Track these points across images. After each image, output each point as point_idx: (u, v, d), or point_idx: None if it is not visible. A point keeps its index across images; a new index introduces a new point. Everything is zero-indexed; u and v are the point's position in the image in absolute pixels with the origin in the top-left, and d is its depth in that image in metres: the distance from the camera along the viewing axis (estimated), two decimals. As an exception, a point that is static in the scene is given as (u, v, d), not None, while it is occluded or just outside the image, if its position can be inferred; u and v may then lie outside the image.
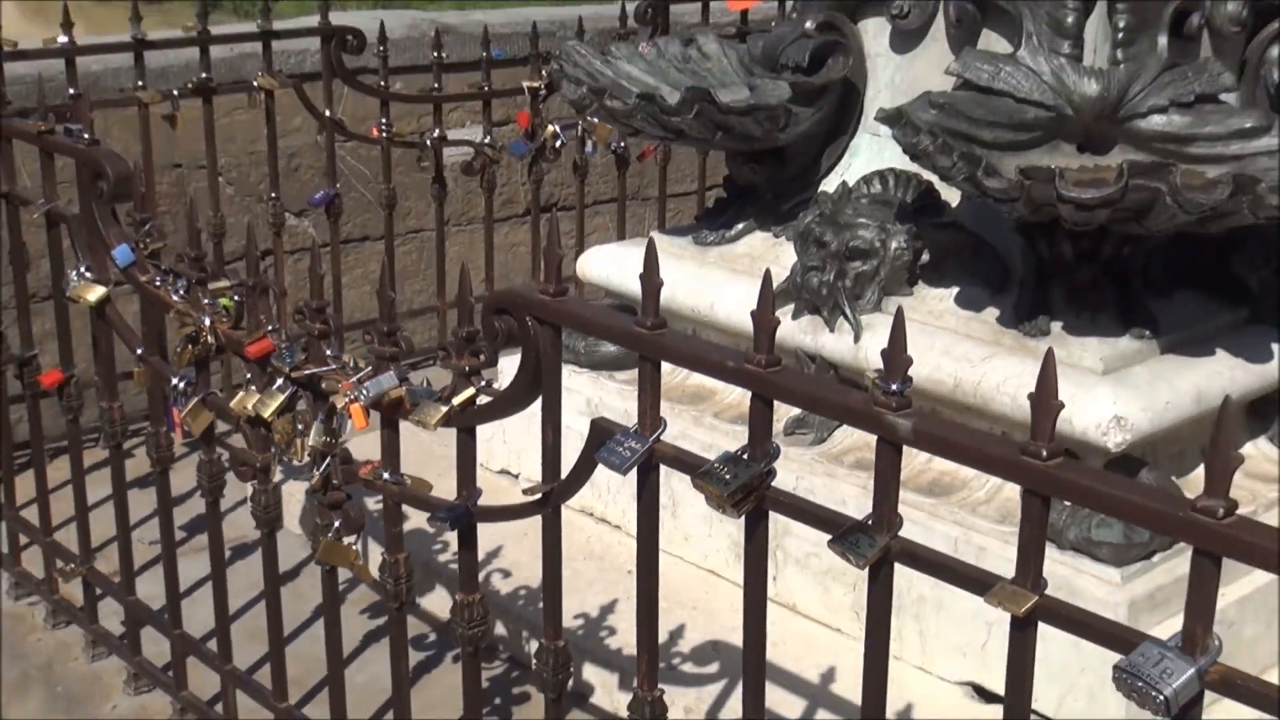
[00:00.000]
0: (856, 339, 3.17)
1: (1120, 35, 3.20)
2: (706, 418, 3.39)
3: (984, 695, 2.83)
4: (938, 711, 2.83)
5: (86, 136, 2.95)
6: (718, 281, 3.49)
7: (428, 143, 4.72)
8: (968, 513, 2.96)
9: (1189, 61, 3.24)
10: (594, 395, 3.49)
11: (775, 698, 2.61)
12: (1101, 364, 2.97)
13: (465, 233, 5.38)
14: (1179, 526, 1.48)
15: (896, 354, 1.70)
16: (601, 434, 2.04)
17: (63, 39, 4.04)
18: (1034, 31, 3.19)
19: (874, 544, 1.73)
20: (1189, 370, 3.06)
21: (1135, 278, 3.13)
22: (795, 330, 3.28)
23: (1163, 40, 3.23)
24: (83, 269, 2.99)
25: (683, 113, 3.31)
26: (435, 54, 4.67)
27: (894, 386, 1.70)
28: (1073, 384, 2.85)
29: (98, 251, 2.89)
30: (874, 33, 3.57)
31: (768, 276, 1.86)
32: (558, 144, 4.78)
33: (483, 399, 2.24)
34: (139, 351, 2.92)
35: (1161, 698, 1.45)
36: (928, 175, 3.17)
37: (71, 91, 3.95)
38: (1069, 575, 2.73)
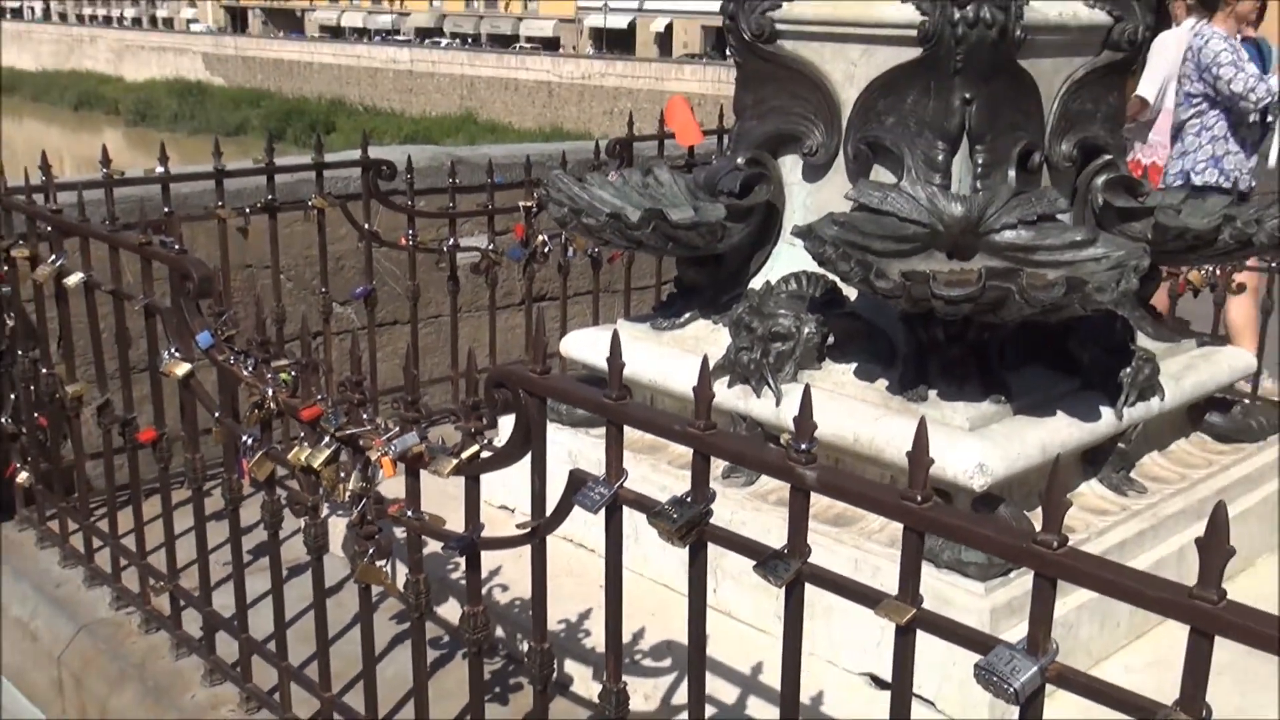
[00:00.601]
0: (778, 403, 3.17)
1: (979, 169, 3.24)
2: (662, 464, 3.38)
3: (879, 683, 2.81)
4: (843, 695, 2.82)
5: (177, 247, 2.96)
6: (670, 359, 3.48)
7: (444, 249, 4.74)
8: (865, 539, 2.96)
9: (1032, 189, 3.28)
10: (574, 447, 3.48)
11: (715, 685, 2.60)
12: (968, 423, 2.97)
13: (474, 317, 5.38)
14: (1022, 556, 1.51)
15: (805, 421, 1.72)
16: (577, 482, 2.05)
17: (159, 169, 4.05)
18: (913, 166, 3.23)
19: (789, 568, 1.75)
20: (1035, 428, 3.06)
21: (993, 355, 3.13)
22: (731, 396, 3.27)
23: (1012, 173, 3.27)
24: (173, 350, 2.99)
25: (642, 228, 3.33)
26: (451, 179, 4.70)
27: (803, 446, 1.72)
28: (945, 439, 2.87)
29: (184, 336, 2.89)
30: (790, 166, 3.58)
31: (705, 361, 1.89)
32: (546, 250, 4.80)
33: (485, 453, 2.25)
34: (216, 414, 2.92)
35: (1012, 690, 1.47)
36: (832, 276, 3.16)
37: (166, 210, 3.96)
38: (943, 588, 2.72)
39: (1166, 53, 7.01)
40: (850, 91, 3.38)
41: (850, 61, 3.37)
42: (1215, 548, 1.33)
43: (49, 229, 3.50)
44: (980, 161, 3.23)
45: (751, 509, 3.13)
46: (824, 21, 3.40)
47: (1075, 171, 3.49)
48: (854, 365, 3.26)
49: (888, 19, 3.23)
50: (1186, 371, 3.55)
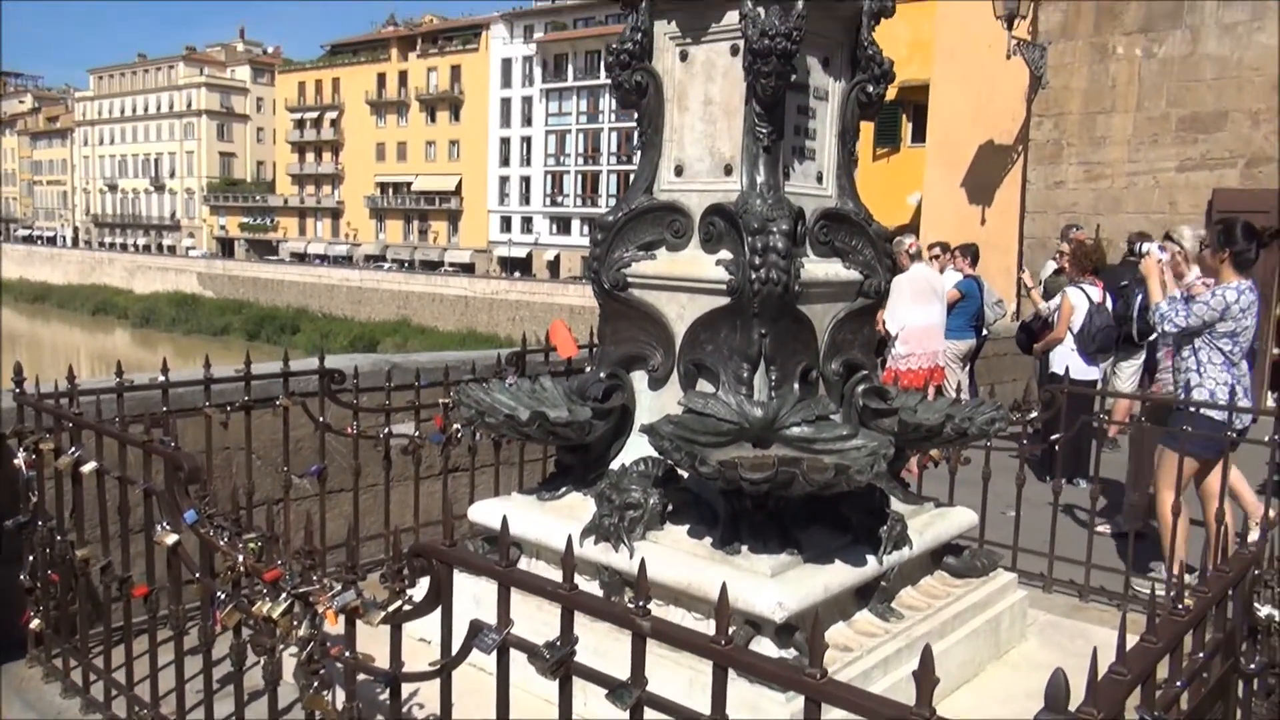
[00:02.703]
0: (630, 557, 3.16)
1: (773, 383, 3.34)
2: (545, 605, 3.33)
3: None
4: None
5: (172, 444, 2.92)
6: (550, 524, 3.47)
7: (381, 435, 4.73)
8: (696, 661, 2.95)
9: (812, 398, 3.39)
10: (477, 591, 3.40)
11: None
12: (770, 571, 3.01)
13: (403, 485, 5.31)
14: (795, 684, 1.57)
15: (642, 583, 1.78)
16: (475, 629, 2.06)
17: (160, 377, 4.00)
18: (726, 381, 3.32)
19: (631, 695, 1.78)
20: (820, 573, 3.12)
21: (788, 519, 3.19)
22: (597, 551, 3.26)
23: (797, 386, 3.37)
24: (165, 523, 2.93)
25: (530, 426, 3.37)
26: (387, 382, 4.73)
27: (640, 602, 1.77)
28: (753, 584, 2.92)
29: (174, 514, 2.83)
30: (639, 379, 3.63)
31: (569, 541, 1.94)
32: (459, 435, 4.82)
33: (406, 607, 2.25)
34: (197, 574, 2.85)
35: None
36: (670, 461, 3.21)
37: (165, 409, 3.90)
38: (755, 697, 2.71)
39: (900, 289, 7.41)
40: (681, 326, 3.47)
41: (681, 305, 3.48)
42: (925, 677, 1.42)
43: (71, 425, 3.43)
44: (774, 378, 3.33)
45: (613, 639, 3.06)
46: (662, 277, 3.51)
47: (842, 383, 3.58)
48: (687, 527, 3.28)
49: (706, 276, 3.36)
50: (928, 527, 3.65)
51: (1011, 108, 13.95)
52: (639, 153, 3.63)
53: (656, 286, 3.53)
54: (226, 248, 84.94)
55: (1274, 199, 11.77)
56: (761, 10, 3.20)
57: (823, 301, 3.50)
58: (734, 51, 3.35)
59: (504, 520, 2.03)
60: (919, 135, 19.44)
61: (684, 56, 3.50)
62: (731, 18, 3.32)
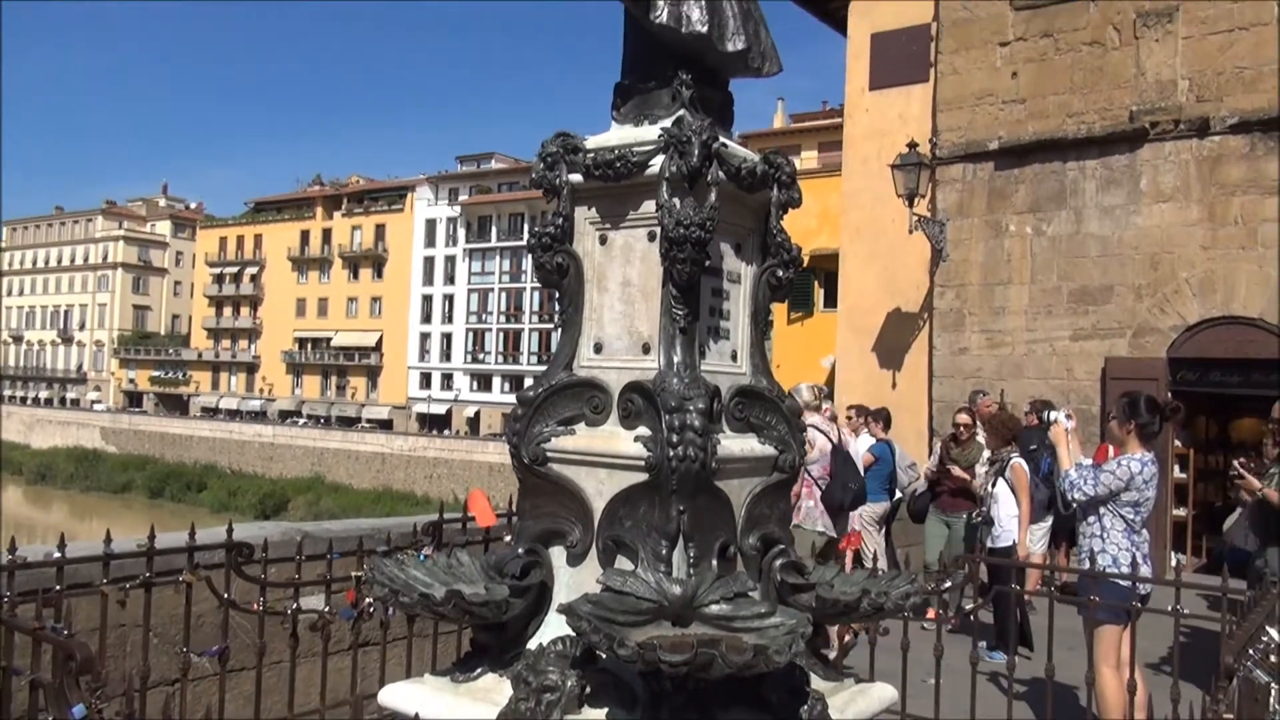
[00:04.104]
0: None
1: (691, 560, 3.32)
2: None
3: None
4: None
5: (65, 632, 2.79)
6: (465, 706, 3.36)
7: (289, 612, 4.55)
8: None
9: (730, 574, 3.36)
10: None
11: None
12: None
13: (310, 661, 5.10)
14: None
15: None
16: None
17: (56, 554, 3.83)
18: (645, 558, 3.30)
19: None
20: None
21: (709, 700, 3.10)
22: None
23: (715, 562, 3.36)
24: (51, 718, 2.76)
25: (445, 605, 3.28)
26: (298, 555, 4.59)
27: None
28: (673, 772, 2.84)
29: (62, 708, 2.67)
30: (558, 555, 3.58)
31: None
32: (371, 610, 4.68)
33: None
34: (81, 774, 2.67)
35: None
36: (588, 642, 3.11)
37: (58, 588, 3.72)
38: None
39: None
40: (599, 502, 3.46)
41: (600, 481, 3.47)
42: None
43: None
44: (692, 554, 3.31)
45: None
46: (581, 452, 3.51)
47: (760, 558, 3.56)
48: (606, 710, 3.18)
49: (625, 453, 3.38)
50: (849, 704, 3.58)
51: (916, 278, 14.67)
52: (559, 330, 3.71)
53: (575, 462, 3.53)
54: (135, 401, 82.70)
55: (1161, 367, 12.46)
56: (677, 201, 3.36)
57: (739, 477, 3.54)
58: (651, 237, 3.49)
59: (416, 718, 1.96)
60: (831, 300, 20.24)
61: (603, 240, 3.63)
62: (649, 206, 3.49)
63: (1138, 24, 12.84)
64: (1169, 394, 12.35)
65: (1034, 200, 13.45)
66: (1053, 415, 6.08)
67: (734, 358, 3.71)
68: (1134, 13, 12.88)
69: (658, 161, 3.43)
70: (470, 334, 67.34)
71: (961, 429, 9.19)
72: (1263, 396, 10.78)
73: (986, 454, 8.61)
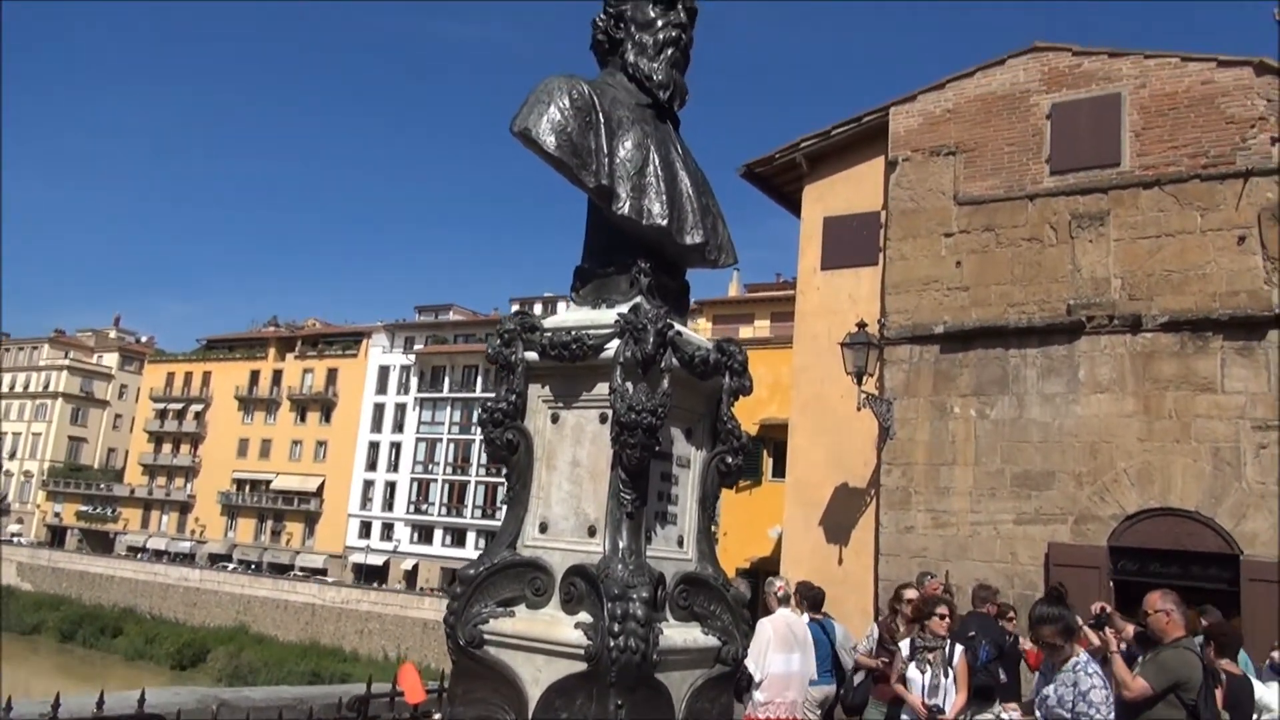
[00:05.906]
0: None
1: None
2: None
3: None
4: None
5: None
6: None
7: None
8: None
9: None
10: None
11: None
12: None
13: None
14: None
15: None
16: None
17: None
18: None
19: None
20: None
21: None
22: None
23: None
24: None
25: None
26: (212, 729, 4.35)
27: None
28: None
29: None
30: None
31: None
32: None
33: None
34: None
35: None
36: None
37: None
38: None
39: (763, 634, 7.44)
40: (535, 690, 3.34)
41: (537, 668, 3.36)
42: None
43: None
44: None
45: None
46: (520, 636, 3.42)
47: None
48: None
49: (565, 640, 3.30)
50: None
51: (864, 454, 14.82)
52: (505, 507, 3.67)
53: (513, 646, 3.43)
54: (58, 537, 79.49)
55: (1103, 555, 12.57)
56: (630, 386, 3.40)
57: (681, 669, 3.46)
58: (603, 419, 3.51)
59: None
60: (779, 470, 20.30)
61: (555, 419, 3.65)
62: (602, 389, 3.52)
63: (1072, 224, 13.56)
64: (1110, 583, 12.41)
65: (977, 384, 13.81)
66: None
67: (680, 543, 3.68)
68: (1069, 214, 13.62)
69: (613, 345, 3.49)
70: (415, 484, 66.30)
71: (907, 605, 9.02)
72: (1203, 589, 10.89)
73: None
